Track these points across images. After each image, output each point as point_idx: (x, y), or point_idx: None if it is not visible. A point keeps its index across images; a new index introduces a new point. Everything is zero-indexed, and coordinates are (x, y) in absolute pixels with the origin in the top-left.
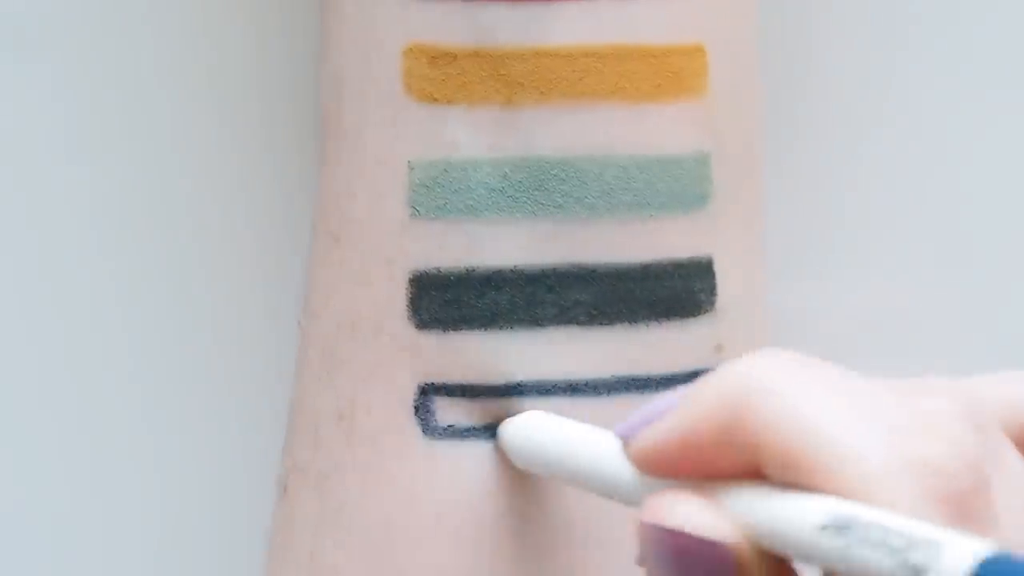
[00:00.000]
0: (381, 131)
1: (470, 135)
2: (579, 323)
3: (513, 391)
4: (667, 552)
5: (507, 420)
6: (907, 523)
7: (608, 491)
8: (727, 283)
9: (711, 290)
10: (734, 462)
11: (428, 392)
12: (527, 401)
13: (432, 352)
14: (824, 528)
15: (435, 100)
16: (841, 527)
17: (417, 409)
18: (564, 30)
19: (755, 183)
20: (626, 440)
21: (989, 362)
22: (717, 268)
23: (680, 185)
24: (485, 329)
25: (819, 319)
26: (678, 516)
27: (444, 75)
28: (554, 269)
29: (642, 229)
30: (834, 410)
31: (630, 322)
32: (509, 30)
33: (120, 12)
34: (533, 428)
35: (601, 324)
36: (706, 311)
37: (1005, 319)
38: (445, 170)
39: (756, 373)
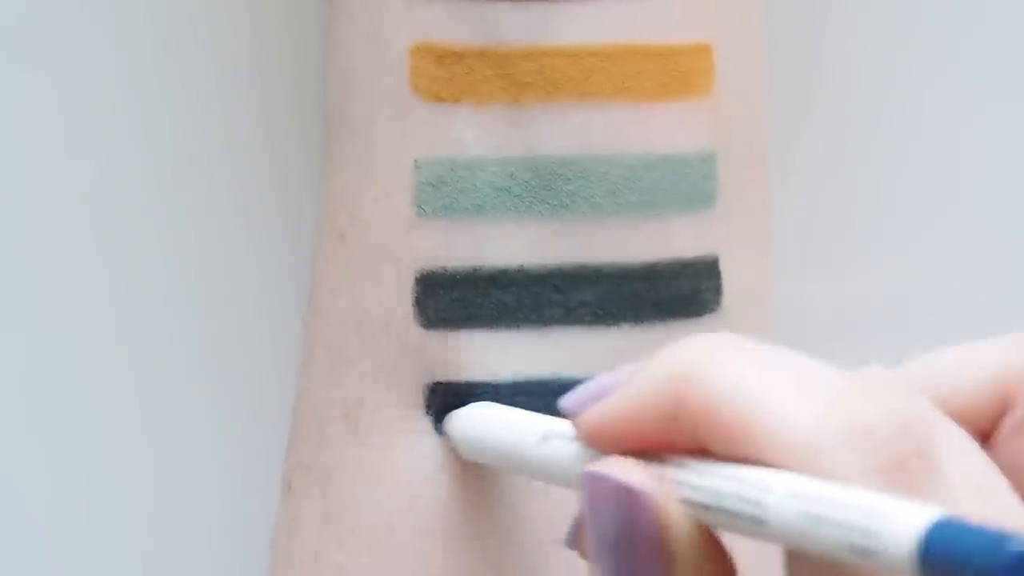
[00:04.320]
0: (388, 130)
1: (477, 134)
2: (584, 323)
3: (518, 391)
4: (603, 508)
5: (452, 413)
6: (852, 492)
7: (550, 473)
8: (733, 282)
9: (717, 289)
10: (679, 440)
11: (435, 391)
12: (531, 401)
13: (437, 351)
14: (759, 501)
15: (442, 99)
16: (781, 498)
17: (421, 408)
18: (570, 29)
19: (761, 182)
20: (573, 414)
21: None
22: (723, 267)
23: (686, 184)
24: (491, 329)
25: (825, 317)
26: (619, 471)
27: (451, 74)
28: (560, 269)
29: (648, 228)
30: (772, 384)
31: (635, 322)
32: (516, 29)
33: (123, 11)
34: (477, 419)
35: (606, 324)
36: (712, 311)
37: (1012, 315)
38: (451, 169)
39: (697, 353)
